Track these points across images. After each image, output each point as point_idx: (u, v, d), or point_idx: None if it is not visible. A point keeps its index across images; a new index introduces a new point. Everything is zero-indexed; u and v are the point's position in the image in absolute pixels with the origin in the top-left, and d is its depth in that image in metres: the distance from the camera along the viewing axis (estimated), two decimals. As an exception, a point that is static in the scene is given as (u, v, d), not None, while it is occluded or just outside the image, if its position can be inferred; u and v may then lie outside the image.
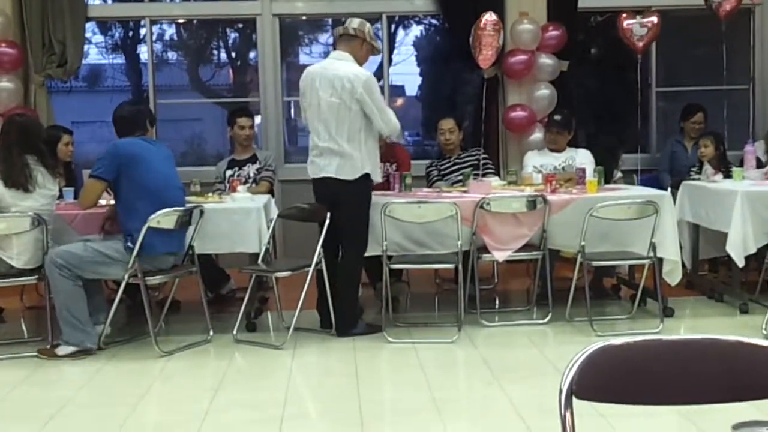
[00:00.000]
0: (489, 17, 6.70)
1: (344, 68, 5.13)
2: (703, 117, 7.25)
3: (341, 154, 5.14)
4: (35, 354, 4.91)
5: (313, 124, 5.24)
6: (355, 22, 5.22)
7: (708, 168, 6.22)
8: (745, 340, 1.73)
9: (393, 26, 9.34)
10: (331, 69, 5.18)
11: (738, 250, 5.41)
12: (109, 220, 5.21)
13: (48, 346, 4.95)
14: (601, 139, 6.69)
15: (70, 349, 4.86)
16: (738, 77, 8.05)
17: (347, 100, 5.08)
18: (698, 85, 8.14)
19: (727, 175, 6.10)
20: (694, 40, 8.76)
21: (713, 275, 6.48)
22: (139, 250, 4.79)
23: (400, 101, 11.39)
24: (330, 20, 9.49)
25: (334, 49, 5.33)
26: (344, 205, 5.19)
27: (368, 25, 5.27)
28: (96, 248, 4.92)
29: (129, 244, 4.86)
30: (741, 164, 6.29)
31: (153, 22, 8.18)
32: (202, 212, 5.20)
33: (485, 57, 6.73)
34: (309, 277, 5.15)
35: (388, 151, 6.34)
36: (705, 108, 7.31)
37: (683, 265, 5.66)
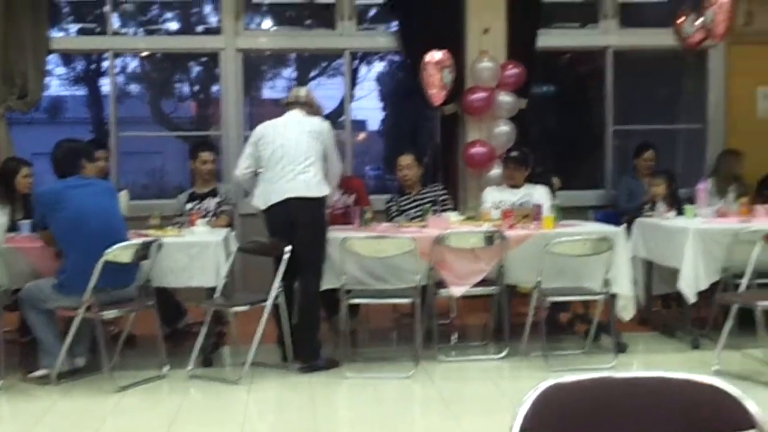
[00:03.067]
0: (430, 57, 6.78)
1: (306, 118, 5.49)
2: (654, 155, 7.47)
3: (306, 172, 5.29)
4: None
5: (276, 155, 5.33)
6: (302, 91, 5.67)
7: (661, 205, 6.34)
8: (693, 377, 1.77)
9: (355, 62, 9.43)
10: (294, 118, 5.48)
11: (690, 286, 5.52)
12: (61, 252, 5.17)
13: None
14: (537, 173, 6.78)
15: (40, 372, 4.99)
16: (693, 117, 8.24)
17: (315, 137, 5.38)
18: (654, 124, 8.31)
19: (680, 213, 6.22)
20: (651, 80, 8.96)
21: (666, 311, 6.58)
22: (81, 285, 4.81)
23: (362, 135, 11.46)
24: (294, 55, 9.57)
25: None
26: (305, 227, 5.27)
27: (311, 91, 5.75)
28: (36, 284, 5.08)
29: (54, 281, 5.00)
30: (694, 202, 6.42)
31: (116, 55, 8.18)
32: (160, 246, 5.20)
33: (433, 95, 6.80)
34: (266, 312, 5.15)
35: (345, 183, 6.43)
36: (656, 146, 7.52)
37: (636, 301, 5.74)
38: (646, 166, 7.44)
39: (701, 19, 6.73)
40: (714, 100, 8.13)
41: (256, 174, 5.47)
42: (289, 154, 5.31)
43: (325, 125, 5.50)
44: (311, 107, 5.59)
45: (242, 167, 5.53)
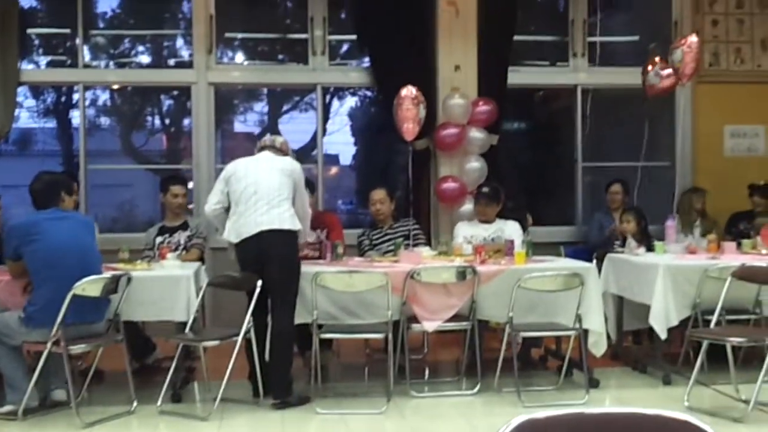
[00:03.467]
0: (407, 92, 6.86)
1: (278, 157, 5.49)
2: (621, 188, 7.70)
3: (281, 206, 5.27)
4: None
5: (248, 190, 5.29)
6: (279, 139, 5.67)
7: (631, 241, 6.40)
8: (665, 413, 1.77)
9: (328, 97, 9.47)
10: (265, 157, 5.49)
11: (660, 322, 5.55)
12: (30, 285, 5.10)
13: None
14: (509, 208, 6.82)
15: (7, 408, 4.91)
16: (661, 154, 8.34)
17: (287, 174, 5.37)
18: (624, 161, 8.39)
19: (650, 249, 6.28)
20: (621, 117, 9.07)
21: (637, 347, 6.60)
22: (50, 319, 4.73)
23: (334, 170, 11.47)
24: (266, 89, 9.58)
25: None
26: (278, 260, 5.23)
27: (287, 142, 5.73)
28: (2, 318, 5.01)
29: (21, 314, 4.92)
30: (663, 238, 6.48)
31: (86, 88, 8.14)
32: (129, 280, 5.15)
33: (407, 129, 6.87)
34: (237, 347, 5.10)
35: (318, 218, 6.41)
36: (625, 180, 7.69)
37: (608, 337, 5.76)
38: (613, 200, 7.68)
39: (667, 70, 6.87)
40: (682, 138, 8.24)
41: (226, 210, 5.45)
42: (262, 189, 5.28)
43: (297, 165, 5.50)
44: (285, 155, 5.59)
45: (212, 203, 5.49)
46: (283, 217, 5.27)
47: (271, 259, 5.22)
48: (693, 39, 6.86)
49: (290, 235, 5.29)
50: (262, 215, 5.25)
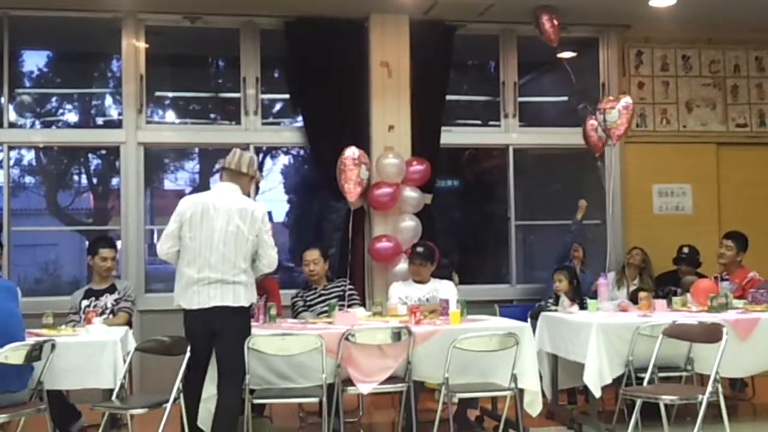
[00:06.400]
0: (349, 152, 6.93)
1: (242, 201, 5.11)
2: (580, 247, 7.75)
3: (236, 282, 4.97)
4: None
5: (203, 254, 4.96)
6: (245, 160, 5.22)
7: (564, 300, 6.43)
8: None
9: (261, 155, 9.40)
10: (226, 200, 5.06)
11: (594, 380, 5.56)
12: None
13: None
14: (441, 264, 6.83)
15: None
16: (594, 212, 8.46)
17: (247, 230, 5.02)
18: (556, 219, 8.48)
19: (583, 307, 6.31)
20: (552, 176, 9.21)
21: (572, 406, 6.60)
22: None
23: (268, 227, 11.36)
24: (197, 149, 9.47)
25: (221, 178, 5.27)
26: (229, 336, 4.97)
27: (255, 159, 5.36)
28: None
29: None
30: (596, 296, 6.52)
31: (11, 147, 7.91)
32: (53, 346, 4.95)
33: (349, 190, 6.91)
34: (166, 414, 4.93)
35: (259, 285, 6.25)
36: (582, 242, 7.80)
37: (543, 395, 5.74)
38: (575, 258, 7.67)
39: (603, 121, 7.02)
40: (611, 197, 8.37)
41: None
42: (217, 253, 4.94)
43: (262, 212, 5.11)
44: (252, 178, 5.27)
45: (166, 247, 5.06)
46: (238, 294, 4.97)
47: (222, 335, 4.96)
48: (628, 100, 7.00)
49: (243, 312, 5.04)
50: (215, 289, 4.93)
